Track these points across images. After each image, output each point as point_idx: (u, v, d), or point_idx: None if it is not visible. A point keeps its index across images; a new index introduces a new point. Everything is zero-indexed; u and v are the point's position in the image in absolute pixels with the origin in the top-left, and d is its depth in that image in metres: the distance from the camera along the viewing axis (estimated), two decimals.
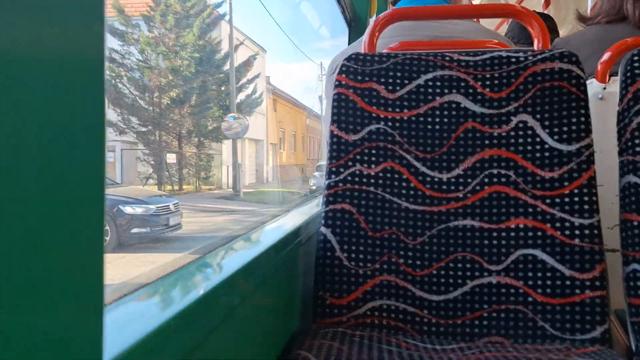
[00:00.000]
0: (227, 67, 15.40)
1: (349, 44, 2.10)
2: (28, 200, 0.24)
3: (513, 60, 0.90)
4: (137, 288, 0.51)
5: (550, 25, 2.24)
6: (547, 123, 0.86)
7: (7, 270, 0.23)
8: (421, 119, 0.91)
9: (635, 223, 0.80)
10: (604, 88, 1.12)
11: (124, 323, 0.40)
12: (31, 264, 0.24)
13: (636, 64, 0.85)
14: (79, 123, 0.27)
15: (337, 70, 0.96)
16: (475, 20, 1.59)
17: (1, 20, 0.22)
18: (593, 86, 1.13)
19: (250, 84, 17.27)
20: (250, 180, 20.17)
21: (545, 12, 2.94)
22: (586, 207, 0.82)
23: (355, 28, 2.09)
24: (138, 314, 0.44)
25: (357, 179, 0.89)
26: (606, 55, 1.12)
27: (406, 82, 0.92)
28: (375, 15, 2.13)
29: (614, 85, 1.10)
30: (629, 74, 0.85)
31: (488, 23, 3.22)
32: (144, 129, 14.41)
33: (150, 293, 0.52)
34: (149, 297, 0.51)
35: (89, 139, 0.28)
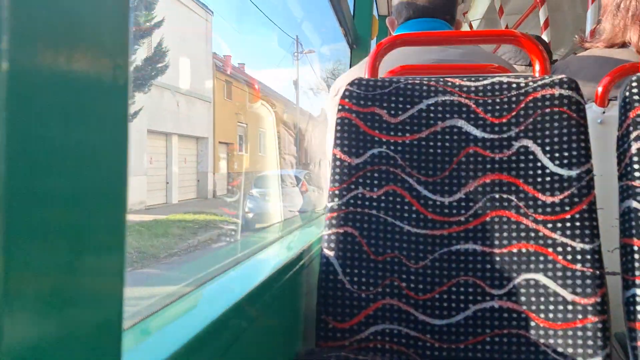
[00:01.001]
0: None
1: (350, 66, 2.12)
2: (46, 221, 0.25)
3: (514, 86, 0.92)
4: (148, 314, 0.51)
5: (545, 49, 2.26)
6: (547, 148, 0.87)
7: (25, 289, 0.24)
8: (423, 143, 0.92)
9: (635, 248, 0.80)
10: (603, 112, 1.13)
11: (138, 349, 0.40)
12: (48, 284, 0.25)
13: (635, 90, 0.86)
14: (104, 144, 0.28)
15: (340, 93, 0.98)
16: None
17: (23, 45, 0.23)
18: (592, 110, 1.15)
19: (146, 37, 11.48)
20: (186, 195, 14.64)
21: (544, 33, 2.97)
22: (587, 231, 0.83)
23: (357, 49, 2.12)
24: (150, 339, 0.45)
25: (359, 202, 0.90)
26: (605, 80, 1.14)
27: (408, 106, 0.94)
28: (376, 36, 2.16)
29: (613, 109, 1.12)
30: (627, 100, 0.86)
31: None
32: None
33: (161, 320, 0.52)
34: (162, 323, 0.52)
35: (113, 157, 0.29)
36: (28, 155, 0.23)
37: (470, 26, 4.14)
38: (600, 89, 1.15)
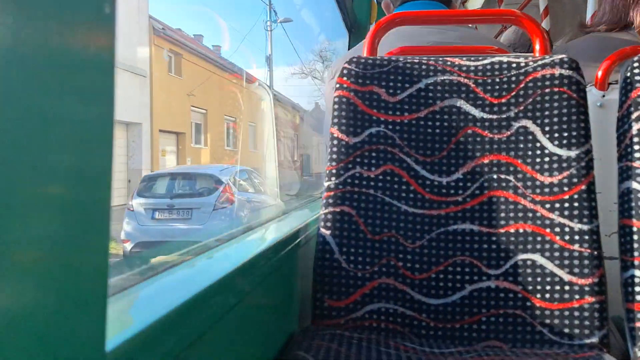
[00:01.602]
0: None
1: (348, 49, 2.10)
2: (34, 196, 0.24)
3: (514, 65, 0.91)
4: (131, 284, 0.50)
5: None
6: (547, 128, 0.87)
7: (12, 262, 0.23)
8: (422, 122, 0.91)
9: (635, 229, 0.80)
10: (603, 95, 1.13)
11: (123, 315, 0.40)
12: (36, 256, 0.24)
13: (636, 71, 0.86)
14: (89, 122, 0.27)
15: (338, 73, 0.96)
16: (474, 28, 1.60)
17: (7, 20, 0.22)
18: (592, 93, 1.14)
19: None
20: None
21: (543, 22, 2.95)
22: (585, 212, 0.82)
23: (355, 34, 2.10)
24: (135, 308, 0.44)
25: (357, 182, 0.89)
26: (605, 63, 1.13)
27: (407, 85, 0.93)
28: (375, 21, 2.14)
29: (613, 93, 1.11)
30: (628, 81, 0.86)
31: (486, 32, 3.24)
32: None
33: (145, 289, 0.51)
34: (144, 293, 0.51)
35: (98, 138, 0.28)
36: (14, 128, 0.23)
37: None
38: (600, 73, 1.14)
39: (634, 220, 0.80)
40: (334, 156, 0.91)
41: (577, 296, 0.79)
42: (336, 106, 0.93)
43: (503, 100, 0.90)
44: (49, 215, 0.25)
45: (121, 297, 0.45)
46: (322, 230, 0.88)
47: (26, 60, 0.23)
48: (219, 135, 16.44)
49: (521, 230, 0.84)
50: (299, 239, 0.87)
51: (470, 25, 1.58)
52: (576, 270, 0.80)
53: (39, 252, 0.25)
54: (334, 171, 0.90)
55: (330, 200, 0.89)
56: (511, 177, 0.86)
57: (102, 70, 0.28)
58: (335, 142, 0.91)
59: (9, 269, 0.23)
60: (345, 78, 0.94)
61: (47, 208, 0.25)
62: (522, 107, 0.88)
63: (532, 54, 1.00)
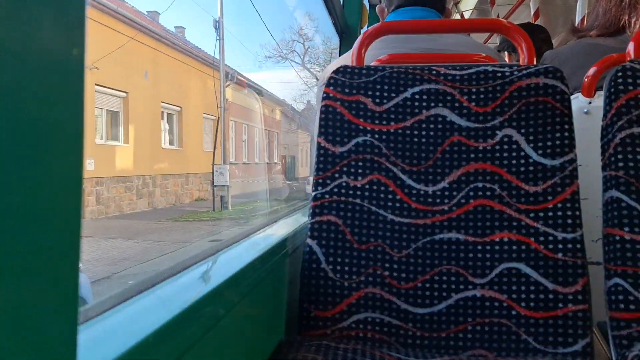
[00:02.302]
0: None
1: (339, 55, 2.11)
2: (8, 202, 0.24)
3: (499, 75, 0.91)
4: (124, 298, 0.51)
5: (544, 37, 2.26)
6: (531, 137, 0.87)
7: None
8: (407, 131, 0.92)
9: (618, 237, 0.81)
10: (590, 102, 1.13)
11: (105, 337, 0.40)
12: (3, 276, 0.24)
13: (620, 80, 0.86)
14: (59, 124, 0.27)
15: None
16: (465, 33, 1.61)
17: None
18: (579, 100, 1.15)
19: None
20: None
21: (536, 23, 2.97)
22: (569, 221, 0.83)
23: (346, 39, 2.10)
24: (121, 325, 0.44)
25: (343, 191, 0.90)
26: (592, 70, 1.14)
27: (393, 95, 0.93)
28: (366, 26, 2.15)
29: (599, 100, 1.12)
30: (612, 90, 0.86)
31: (478, 35, 3.25)
32: None
33: (134, 303, 0.52)
34: (134, 306, 0.51)
35: (68, 141, 0.28)
36: None
37: (462, 17, 4.14)
38: (586, 79, 1.14)
39: (618, 229, 0.81)
40: (321, 165, 0.91)
41: (561, 304, 0.80)
42: (323, 115, 0.93)
43: (488, 110, 0.90)
44: (10, 225, 0.25)
45: (102, 319, 0.45)
46: (309, 239, 0.88)
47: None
48: (153, 129, 12.31)
49: (506, 239, 0.84)
50: (286, 249, 0.87)
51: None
52: (560, 279, 0.81)
53: (5, 264, 0.24)
54: (320, 180, 0.90)
55: (317, 210, 0.89)
56: (496, 186, 0.87)
57: (71, 73, 0.28)
58: (321, 151, 0.92)
59: None
60: (332, 87, 0.94)
61: (8, 217, 0.25)
62: (506, 116, 0.89)
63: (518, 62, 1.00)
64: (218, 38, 13.07)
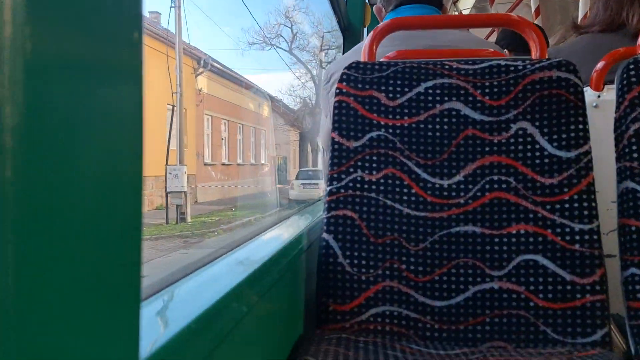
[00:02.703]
0: None
1: (343, 53, 2.11)
2: (69, 198, 0.24)
3: (512, 68, 0.92)
4: (149, 295, 0.51)
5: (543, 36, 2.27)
6: (546, 130, 0.88)
7: (45, 267, 0.23)
8: (422, 126, 0.92)
9: (634, 228, 0.81)
10: (599, 96, 1.14)
11: (149, 326, 0.40)
12: (70, 261, 0.25)
13: (632, 72, 0.87)
14: (119, 127, 0.28)
15: (335, 78, 0.97)
16: (467, 30, 1.62)
17: (41, 28, 0.22)
18: (587, 94, 1.15)
19: None
20: None
21: (535, 22, 2.98)
22: (586, 212, 0.83)
23: (349, 37, 2.11)
24: (156, 319, 0.44)
25: (358, 185, 0.90)
26: (600, 64, 1.15)
27: (406, 90, 0.93)
28: (369, 24, 2.16)
29: (608, 94, 1.12)
30: (625, 82, 0.87)
31: (477, 33, 3.26)
32: None
33: (159, 300, 0.52)
34: (160, 308, 0.51)
35: (128, 143, 0.29)
36: (45, 132, 0.23)
37: (460, 14, 4.15)
38: (595, 73, 1.15)
39: (633, 220, 0.81)
40: (336, 160, 0.91)
41: (578, 295, 0.81)
42: (336, 111, 0.94)
43: (502, 103, 0.91)
44: (80, 221, 0.25)
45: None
46: (325, 234, 0.88)
47: (52, 63, 0.24)
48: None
49: (523, 232, 0.85)
50: (302, 244, 0.87)
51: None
52: (577, 270, 0.81)
53: (72, 260, 0.25)
54: (335, 175, 0.91)
55: (332, 204, 0.89)
56: (512, 179, 0.87)
57: (131, 77, 0.29)
58: (336, 146, 0.92)
59: (42, 274, 0.23)
60: (344, 83, 0.94)
61: (77, 214, 0.25)
62: (520, 110, 0.90)
63: (529, 55, 1.01)
64: (173, 5, 10.68)
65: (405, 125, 0.92)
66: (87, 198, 0.26)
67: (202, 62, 12.79)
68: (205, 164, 13.39)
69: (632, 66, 0.87)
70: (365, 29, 2.17)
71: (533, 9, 2.89)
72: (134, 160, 0.29)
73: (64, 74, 0.24)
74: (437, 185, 0.89)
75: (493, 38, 3.55)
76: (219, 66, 13.84)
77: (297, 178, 15.51)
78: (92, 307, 0.26)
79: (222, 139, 15.20)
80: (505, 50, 2.35)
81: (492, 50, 1.28)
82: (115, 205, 0.28)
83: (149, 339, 0.36)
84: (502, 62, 0.93)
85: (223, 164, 14.95)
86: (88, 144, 0.26)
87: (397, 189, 0.90)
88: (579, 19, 1.97)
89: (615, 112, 0.88)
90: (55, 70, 0.23)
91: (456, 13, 4.10)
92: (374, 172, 0.90)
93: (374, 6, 1.55)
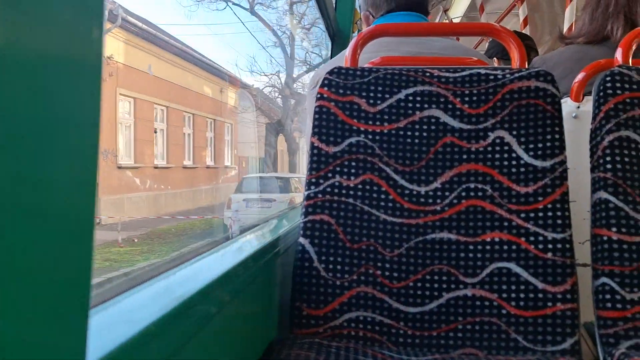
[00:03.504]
0: None
1: (331, 57, 2.12)
2: (16, 198, 0.24)
3: (491, 77, 0.93)
4: (110, 296, 0.50)
5: (530, 44, 2.30)
6: (522, 139, 0.89)
7: None
8: (401, 132, 0.92)
9: (605, 238, 0.82)
10: (578, 107, 1.15)
11: (104, 329, 0.40)
12: (16, 264, 0.25)
13: (608, 84, 0.88)
14: (75, 123, 0.27)
15: (319, 83, 0.97)
16: (455, 38, 1.63)
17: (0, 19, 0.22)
18: (567, 105, 1.16)
19: None
20: None
21: (524, 31, 3.01)
22: (559, 221, 0.84)
23: (338, 42, 2.11)
24: (115, 321, 0.44)
25: (336, 190, 0.90)
26: (580, 75, 1.16)
27: (387, 96, 0.94)
28: (357, 30, 2.16)
29: (588, 105, 1.13)
30: (602, 94, 0.88)
31: (468, 41, 3.29)
32: None
33: (124, 301, 0.51)
34: (125, 305, 0.51)
35: (83, 139, 0.28)
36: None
37: (451, 22, 4.18)
38: (575, 84, 1.16)
39: (605, 230, 0.82)
40: (314, 165, 0.91)
41: (550, 304, 0.81)
42: (317, 116, 0.94)
43: (480, 112, 0.91)
44: (29, 223, 0.25)
45: (100, 310, 0.45)
46: (302, 238, 0.88)
47: (16, 60, 0.23)
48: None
49: (497, 239, 0.85)
50: (278, 247, 0.87)
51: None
52: (549, 278, 0.82)
53: (19, 262, 0.25)
54: (313, 180, 0.91)
55: (310, 209, 0.89)
56: (488, 187, 0.88)
57: (88, 73, 0.28)
58: (315, 151, 0.92)
59: None
60: (326, 88, 0.95)
61: (28, 216, 0.25)
62: (498, 118, 0.90)
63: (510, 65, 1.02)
64: None
65: (385, 131, 0.93)
66: (39, 197, 0.26)
67: (111, 13, 8.31)
68: (120, 167, 9.45)
69: (608, 78, 0.88)
70: (355, 34, 2.18)
71: (521, 19, 2.92)
72: (89, 161, 0.29)
73: (18, 68, 0.24)
74: (414, 192, 0.90)
75: (481, 47, 3.58)
76: (144, 26, 9.30)
77: (239, 190, 10.04)
78: (35, 311, 0.26)
79: (156, 132, 10.72)
80: (494, 58, 2.37)
81: (475, 59, 1.29)
82: (67, 205, 0.28)
83: (103, 343, 0.36)
84: (483, 71, 0.94)
85: (156, 167, 10.54)
86: (39, 142, 0.25)
87: (375, 195, 0.90)
88: (564, 29, 1.99)
89: (592, 123, 0.89)
90: (9, 64, 0.23)
91: (447, 21, 4.13)
92: (352, 178, 0.91)
93: (362, 13, 1.56)
